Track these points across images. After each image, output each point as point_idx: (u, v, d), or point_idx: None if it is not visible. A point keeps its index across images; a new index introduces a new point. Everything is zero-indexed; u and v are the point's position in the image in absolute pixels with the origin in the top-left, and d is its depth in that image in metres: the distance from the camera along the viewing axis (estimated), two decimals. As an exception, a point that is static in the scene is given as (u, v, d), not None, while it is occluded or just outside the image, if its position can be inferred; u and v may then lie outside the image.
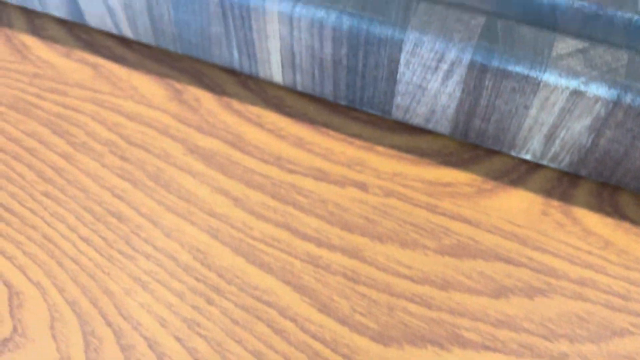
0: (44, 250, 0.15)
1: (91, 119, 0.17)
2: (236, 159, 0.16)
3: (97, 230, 0.15)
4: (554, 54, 0.14)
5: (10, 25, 0.20)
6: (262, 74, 0.18)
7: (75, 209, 0.15)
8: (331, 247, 0.15)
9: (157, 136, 0.17)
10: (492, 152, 0.17)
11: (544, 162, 0.16)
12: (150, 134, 0.17)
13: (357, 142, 0.17)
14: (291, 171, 0.16)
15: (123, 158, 0.16)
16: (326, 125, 0.17)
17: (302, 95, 0.18)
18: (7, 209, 0.15)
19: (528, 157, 0.16)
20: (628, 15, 0.15)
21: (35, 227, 0.15)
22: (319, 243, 0.15)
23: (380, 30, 0.15)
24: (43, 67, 0.18)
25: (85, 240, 0.15)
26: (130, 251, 0.15)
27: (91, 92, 0.18)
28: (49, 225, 0.15)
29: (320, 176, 0.16)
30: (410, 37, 0.14)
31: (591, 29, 0.15)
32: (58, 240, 0.15)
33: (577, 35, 0.15)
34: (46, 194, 0.16)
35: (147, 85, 0.18)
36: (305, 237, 0.15)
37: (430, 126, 0.16)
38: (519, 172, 0.16)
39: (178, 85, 0.18)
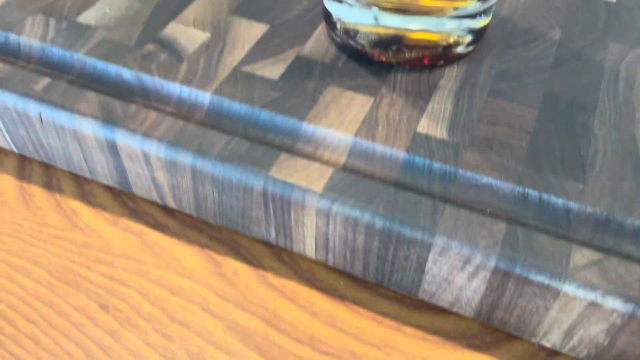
0: None
1: (136, 292, 0.18)
2: (272, 338, 0.17)
3: (141, 416, 0.16)
4: (571, 265, 0.15)
5: (60, 191, 0.21)
6: (296, 250, 0.19)
7: (121, 392, 0.16)
8: None
9: (198, 312, 0.18)
10: (513, 336, 0.18)
11: (563, 351, 0.17)
12: (192, 309, 0.18)
13: (386, 321, 0.18)
14: (324, 352, 0.17)
15: (166, 336, 0.17)
16: (356, 302, 0.18)
17: (333, 269, 0.19)
18: (56, 391, 0.16)
19: (548, 345, 0.17)
20: (637, 222, 0.16)
21: (83, 412, 0.16)
22: None
23: (410, 233, 0.16)
24: (91, 236, 0.20)
25: None
26: None
27: (136, 263, 0.19)
28: (96, 410, 0.16)
29: (352, 359, 0.17)
30: (439, 241, 0.16)
31: (603, 234, 0.16)
32: None
33: (590, 238, 0.16)
34: (93, 375, 0.17)
35: (188, 257, 0.19)
36: None
37: (454, 309, 0.18)
38: (539, 359, 0.17)
39: (217, 257, 0.19)
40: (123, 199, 0.21)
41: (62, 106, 0.19)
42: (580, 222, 0.16)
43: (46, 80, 0.20)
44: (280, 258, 0.20)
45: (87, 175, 0.21)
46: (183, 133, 0.18)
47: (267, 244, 0.20)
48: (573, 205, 0.16)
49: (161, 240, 0.20)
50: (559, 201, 0.17)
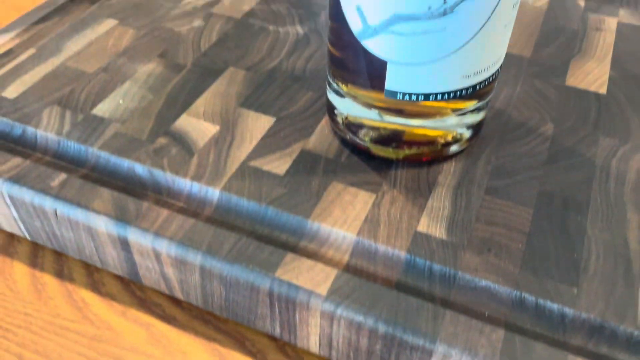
0: None
1: (144, 388, 0.19)
2: None
3: None
4: (567, 376, 0.16)
5: (71, 279, 0.22)
6: (300, 345, 0.20)
7: None
8: None
9: (204, 409, 0.18)
10: None
11: None
12: (198, 406, 0.18)
13: (388, 419, 0.18)
14: None
15: None
16: (359, 398, 0.19)
17: (336, 363, 0.20)
18: None
19: None
20: (629, 330, 0.17)
21: None
22: None
23: (412, 339, 0.17)
24: (101, 328, 0.20)
25: None
26: None
27: (144, 356, 0.20)
28: None
29: None
30: (440, 349, 0.16)
31: (597, 340, 0.17)
32: None
33: (585, 344, 0.17)
34: None
35: (194, 350, 0.20)
36: None
37: (455, 409, 0.18)
38: None
39: (223, 350, 0.20)
40: (132, 288, 0.22)
41: (77, 203, 0.20)
42: (575, 328, 0.17)
43: (62, 177, 0.21)
44: (284, 351, 0.20)
45: (98, 264, 0.22)
46: (193, 232, 0.19)
47: (271, 337, 0.20)
48: (568, 310, 0.17)
49: (168, 332, 0.20)
50: (555, 306, 0.17)
